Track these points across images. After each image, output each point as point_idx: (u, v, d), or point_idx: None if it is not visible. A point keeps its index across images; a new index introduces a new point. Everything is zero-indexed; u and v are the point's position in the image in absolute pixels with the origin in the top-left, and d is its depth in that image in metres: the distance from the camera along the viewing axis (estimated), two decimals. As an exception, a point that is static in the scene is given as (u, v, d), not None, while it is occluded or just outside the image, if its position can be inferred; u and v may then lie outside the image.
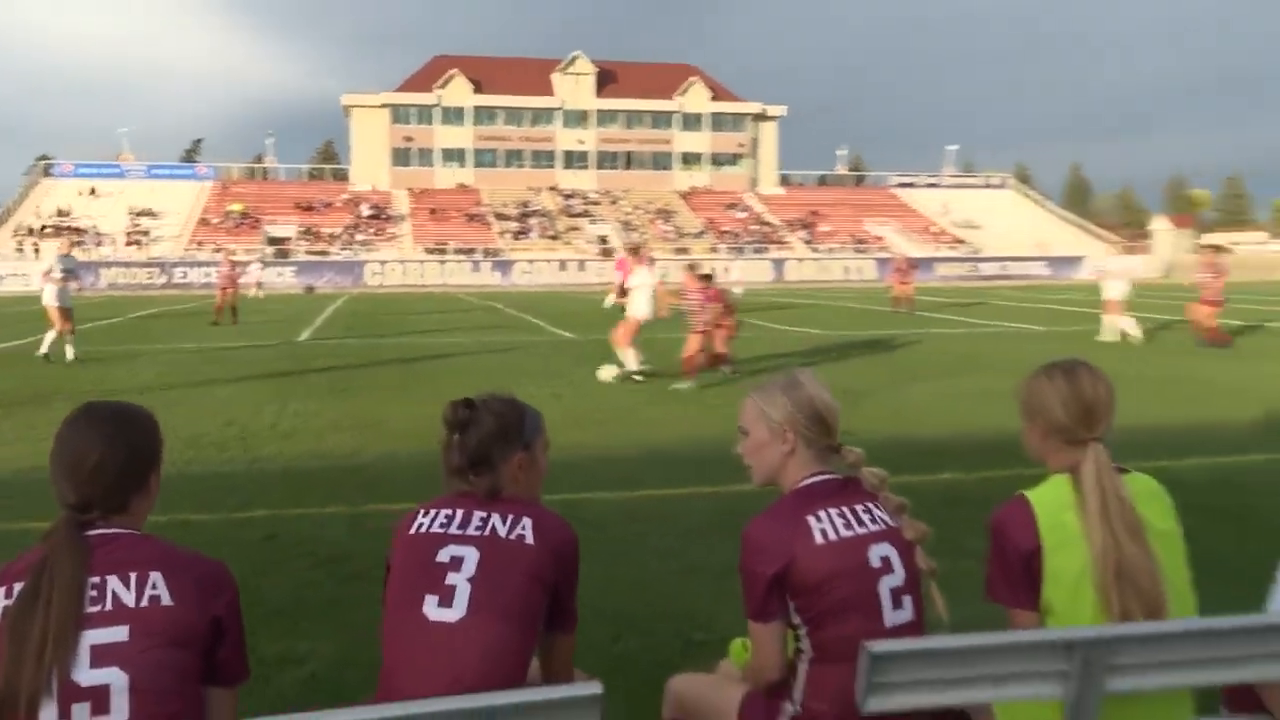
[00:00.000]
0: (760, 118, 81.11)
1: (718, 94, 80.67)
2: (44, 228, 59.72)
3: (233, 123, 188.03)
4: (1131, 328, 18.38)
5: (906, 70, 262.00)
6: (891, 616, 2.44)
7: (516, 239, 64.79)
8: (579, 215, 70.12)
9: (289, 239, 61.81)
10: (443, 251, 60.31)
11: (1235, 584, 3.28)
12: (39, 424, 9.96)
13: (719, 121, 79.91)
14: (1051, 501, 2.46)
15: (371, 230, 64.92)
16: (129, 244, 57.81)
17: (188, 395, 12.26)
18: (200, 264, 55.74)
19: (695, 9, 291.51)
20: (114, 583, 1.99)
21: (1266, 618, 2.28)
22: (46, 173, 69.80)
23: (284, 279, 54.51)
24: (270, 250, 58.88)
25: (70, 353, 15.90)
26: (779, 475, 2.66)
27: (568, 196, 73.19)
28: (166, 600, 2.00)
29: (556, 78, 78.01)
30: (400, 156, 75.18)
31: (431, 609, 2.32)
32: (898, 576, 2.47)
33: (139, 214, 63.81)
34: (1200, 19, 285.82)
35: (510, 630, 2.31)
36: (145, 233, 61.00)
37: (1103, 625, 2.26)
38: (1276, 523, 6.12)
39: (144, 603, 1.98)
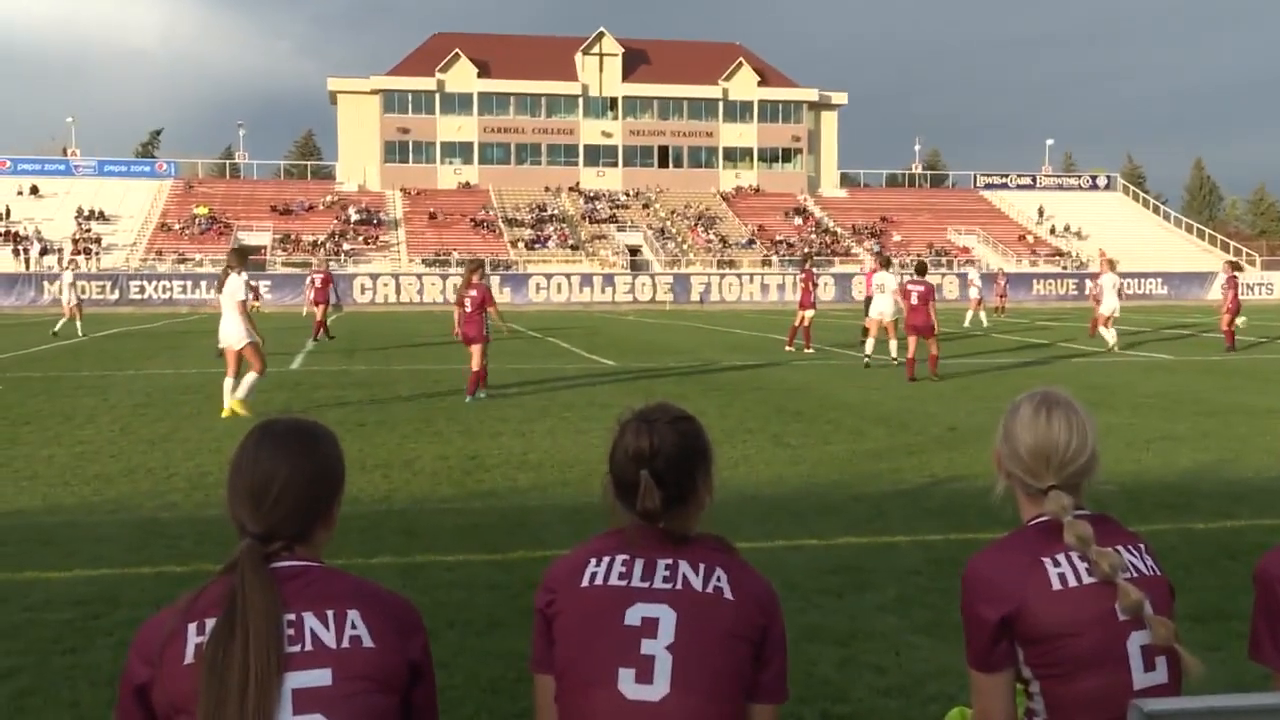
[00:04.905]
0: (819, 106, 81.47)
1: (768, 78, 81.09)
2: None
3: (197, 111, 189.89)
4: None
5: (994, 48, 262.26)
6: (1142, 678, 2.46)
7: (531, 249, 65.22)
8: (604, 221, 70.50)
9: (264, 248, 61.59)
10: (444, 264, 60.46)
11: None
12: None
13: (769, 111, 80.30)
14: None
15: (360, 238, 65.46)
16: (76, 252, 58.36)
17: (178, 428, 12.50)
18: (160, 277, 56.30)
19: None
20: (311, 620, 2.11)
21: None
22: (-21, 168, 70.82)
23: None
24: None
25: None
26: (1018, 503, 2.72)
27: (591, 199, 73.62)
28: (368, 641, 2.12)
29: (578, 59, 78.68)
30: (394, 151, 75.87)
31: (629, 686, 2.30)
32: (1152, 633, 2.50)
33: (88, 217, 64.69)
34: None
35: (719, 706, 2.33)
36: (96, 240, 61.76)
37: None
38: None
39: (345, 643, 2.11)
